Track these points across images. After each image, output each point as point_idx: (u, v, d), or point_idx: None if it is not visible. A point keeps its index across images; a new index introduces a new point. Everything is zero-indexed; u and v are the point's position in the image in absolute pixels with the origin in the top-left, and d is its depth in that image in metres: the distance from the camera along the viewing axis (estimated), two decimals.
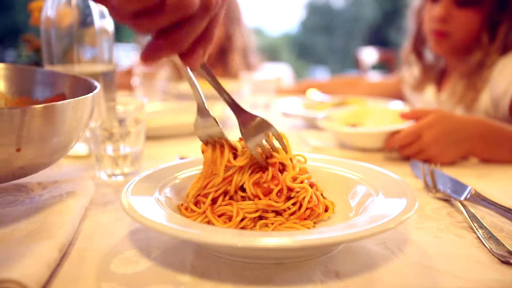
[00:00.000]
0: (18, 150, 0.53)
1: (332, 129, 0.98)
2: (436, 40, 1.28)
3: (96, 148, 0.78)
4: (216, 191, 0.57)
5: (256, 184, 0.56)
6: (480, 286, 0.45)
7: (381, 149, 0.95)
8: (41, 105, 0.53)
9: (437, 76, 1.42)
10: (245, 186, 0.56)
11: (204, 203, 0.57)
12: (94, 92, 0.63)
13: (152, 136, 1.08)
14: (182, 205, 0.58)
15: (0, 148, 0.52)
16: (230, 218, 0.55)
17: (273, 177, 0.56)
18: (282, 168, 0.59)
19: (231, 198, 0.57)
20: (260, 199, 0.55)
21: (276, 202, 0.55)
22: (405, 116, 0.93)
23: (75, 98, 0.58)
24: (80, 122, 0.61)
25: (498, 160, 0.88)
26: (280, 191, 0.55)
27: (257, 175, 0.56)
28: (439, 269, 0.48)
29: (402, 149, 0.89)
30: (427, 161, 0.87)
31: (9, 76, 0.73)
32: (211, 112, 0.59)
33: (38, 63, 1.19)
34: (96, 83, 0.68)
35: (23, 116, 0.52)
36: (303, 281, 0.46)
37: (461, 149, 0.87)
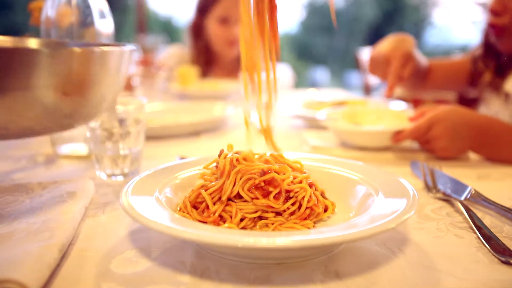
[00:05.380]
0: (65, 94, 0.55)
1: (336, 127, 0.98)
2: (496, 35, 1.08)
3: (96, 148, 0.78)
4: (212, 198, 0.56)
5: (254, 187, 0.56)
6: (480, 286, 0.45)
7: (382, 149, 0.95)
8: (83, 48, 0.56)
9: None
10: (241, 193, 0.55)
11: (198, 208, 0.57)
12: (131, 47, 0.66)
13: (152, 136, 1.08)
14: (180, 209, 0.58)
15: (48, 91, 0.53)
16: (231, 218, 0.55)
17: (270, 181, 0.56)
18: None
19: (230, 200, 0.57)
20: (258, 199, 0.55)
21: (275, 203, 0.55)
22: (414, 119, 0.94)
23: (116, 47, 0.61)
24: (119, 75, 0.63)
25: (498, 158, 0.88)
26: (279, 193, 0.55)
27: (251, 182, 0.55)
28: (439, 269, 0.48)
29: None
30: (430, 152, 0.90)
31: None
32: None
33: None
34: (131, 45, 0.70)
35: (69, 57, 0.54)
36: (303, 281, 0.46)
37: (463, 145, 0.87)
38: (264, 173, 0.56)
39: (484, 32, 1.17)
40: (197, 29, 2.14)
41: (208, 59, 2.15)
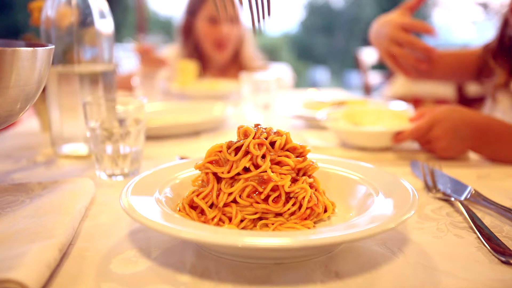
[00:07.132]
0: None
1: (336, 127, 0.98)
2: None
3: (96, 148, 0.78)
4: (206, 202, 0.56)
5: (253, 192, 0.55)
6: (480, 286, 0.45)
7: (382, 149, 0.95)
8: None
9: None
10: (238, 200, 0.55)
11: (197, 208, 0.57)
12: (41, 48, 0.62)
13: (152, 136, 1.08)
14: (179, 210, 0.58)
15: None
16: (229, 220, 0.55)
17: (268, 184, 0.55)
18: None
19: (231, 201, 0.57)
20: (258, 203, 0.55)
21: (274, 207, 0.55)
22: (414, 120, 0.94)
23: (13, 48, 0.57)
24: (32, 76, 0.61)
25: (499, 158, 0.88)
26: (278, 196, 0.55)
27: (250, 189, 0.55)
28: (439, 269, 0.48)
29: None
30: (431, 152, 0.90)
31: None
32: None
33: None
34: (50, 45, 0.67)
35: None
36: (303, 281, 0.46)
37: (464, 145, 0.87)
38: (263, 181, 0.55)
39: (501, 30, 1.10)
40: (187, 30, 2.16)
41: (199, 59, 2.16)
